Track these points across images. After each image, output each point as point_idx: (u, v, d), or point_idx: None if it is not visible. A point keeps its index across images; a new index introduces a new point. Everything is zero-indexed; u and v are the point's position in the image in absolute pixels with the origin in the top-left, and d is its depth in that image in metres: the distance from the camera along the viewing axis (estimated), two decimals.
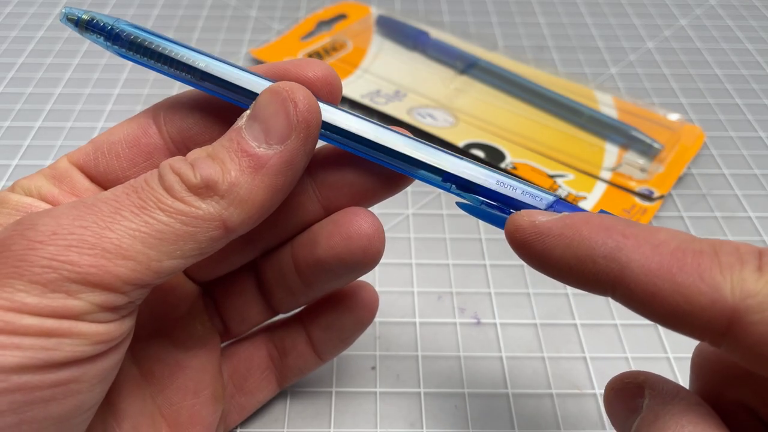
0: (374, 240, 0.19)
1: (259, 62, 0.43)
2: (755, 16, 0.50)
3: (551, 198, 0.18)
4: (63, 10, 0.18)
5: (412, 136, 0.19)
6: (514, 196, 0.18)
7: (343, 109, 0.18)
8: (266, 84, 0.18)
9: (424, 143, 0.18)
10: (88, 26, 0.18)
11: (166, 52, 0.18)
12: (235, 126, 0.17)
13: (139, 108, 0.39)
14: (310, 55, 0.43)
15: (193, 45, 0.49)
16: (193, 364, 0.21)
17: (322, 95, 0.18)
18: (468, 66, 0.41)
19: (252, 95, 0.18)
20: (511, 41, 0.47)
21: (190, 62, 0.18)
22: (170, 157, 0.19)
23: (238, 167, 0.16)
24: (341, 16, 0.48)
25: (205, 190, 0.16)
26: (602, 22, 0.50)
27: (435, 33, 0.44)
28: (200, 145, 0.18)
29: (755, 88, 0.43)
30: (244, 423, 0.25)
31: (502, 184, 0.18)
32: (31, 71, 0.42)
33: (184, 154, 0.18)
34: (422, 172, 0.18)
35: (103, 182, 0.19)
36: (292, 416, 0.25)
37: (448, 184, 0.18)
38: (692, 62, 0.45)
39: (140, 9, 0.49)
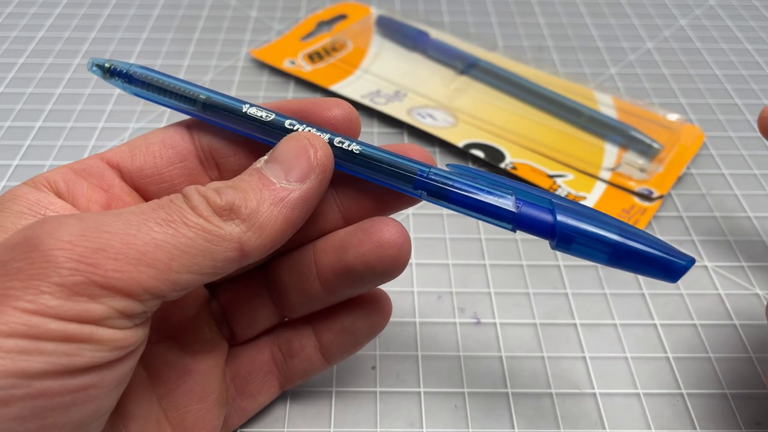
0: (403, 248, 0.20)
1: (258, 62, 0.43)
2: (755, 17, 0.50)
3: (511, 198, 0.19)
4: (90, 60, 0.21)
5: (404, 155, 0.20)
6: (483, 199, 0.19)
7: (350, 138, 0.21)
8: (256, 113, 0.20)
9: (410, 159, 0.20)
10: (109, 72, 0.21)
11: (171, 88, 0.20)
12: (253, 166, 0.19)
13: (140, 108, 0.39)
14: (310, 55, 0.43)
15: (192, 45, 0.49)
16: (200, 368, 0.22)
17: (341, 131, 0.20)
18: (468, 66, 0.42)
19: (244, 122, 0.20)
20: (511, 41, 0.47)
21: (191, 95, 0.20)
22: (202, 163, 0.21)
23: (259, 197, 0.18)
24: (341, 17, 0.48)
25: (228, 212, 0.17)
26: (602, 22, 0.50)
27: (435, 33, 0.44)
28: (226, 159, 0.21)
29: (755, 88, 0.43)
30: (244, 423, 0.25)
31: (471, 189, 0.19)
32: (31, 71, 0.42)
33: (212, 167, 0.21)
34: (392, 179, 0.20)
35: (136, 179, 0.20)
36: (292, 416, 0.25)
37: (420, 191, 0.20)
38: (692, 62, 0.45)
39: (140, 9, 0.49)
